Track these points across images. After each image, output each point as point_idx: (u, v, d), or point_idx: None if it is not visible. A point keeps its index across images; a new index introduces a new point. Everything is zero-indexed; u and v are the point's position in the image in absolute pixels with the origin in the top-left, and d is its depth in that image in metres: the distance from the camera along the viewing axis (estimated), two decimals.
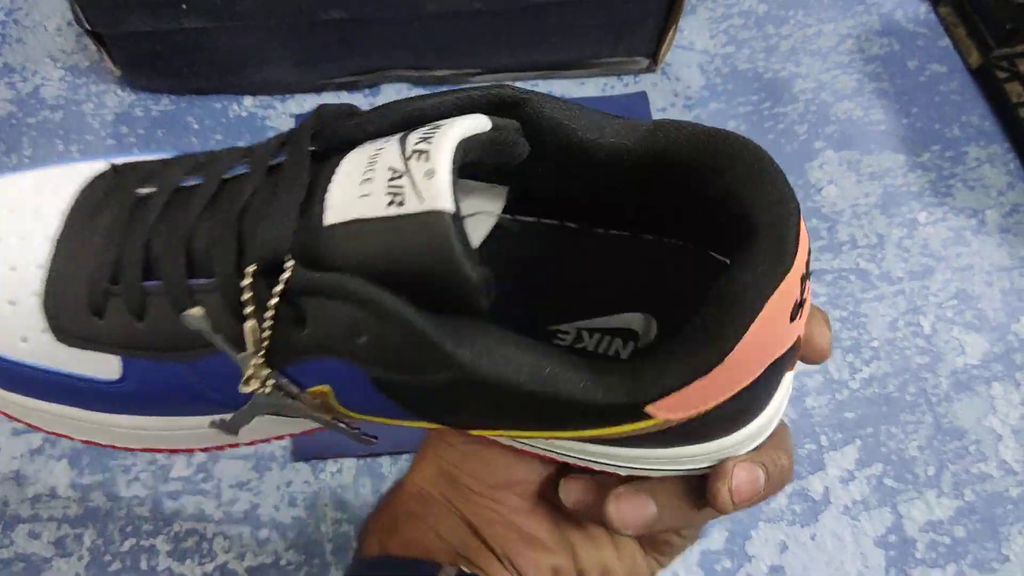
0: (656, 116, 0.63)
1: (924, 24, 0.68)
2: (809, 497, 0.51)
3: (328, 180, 0.23)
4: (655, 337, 0.30)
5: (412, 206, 0.21)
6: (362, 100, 0.63)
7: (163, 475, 0.50)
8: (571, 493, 0.31)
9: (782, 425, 0.30)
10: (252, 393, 0.25)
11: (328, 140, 0.25)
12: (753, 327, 0.22)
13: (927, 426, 0.53)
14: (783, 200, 0.23)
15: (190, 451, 0.33)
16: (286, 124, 0.62)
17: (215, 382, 0.26)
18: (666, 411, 0.23)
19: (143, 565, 0.48)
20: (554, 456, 0.30)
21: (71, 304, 0.26)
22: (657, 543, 0.35)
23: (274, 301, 0.22)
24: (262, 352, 0.23)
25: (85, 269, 0.26)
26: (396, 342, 0.22)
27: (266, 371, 0.24)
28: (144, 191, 0.27)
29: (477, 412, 0.26)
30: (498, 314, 0.23)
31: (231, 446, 0.31)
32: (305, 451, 0.51)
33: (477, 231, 0.27)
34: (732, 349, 0.22)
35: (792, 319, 0.23)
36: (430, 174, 0.21)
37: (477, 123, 0.23)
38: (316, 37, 0.59)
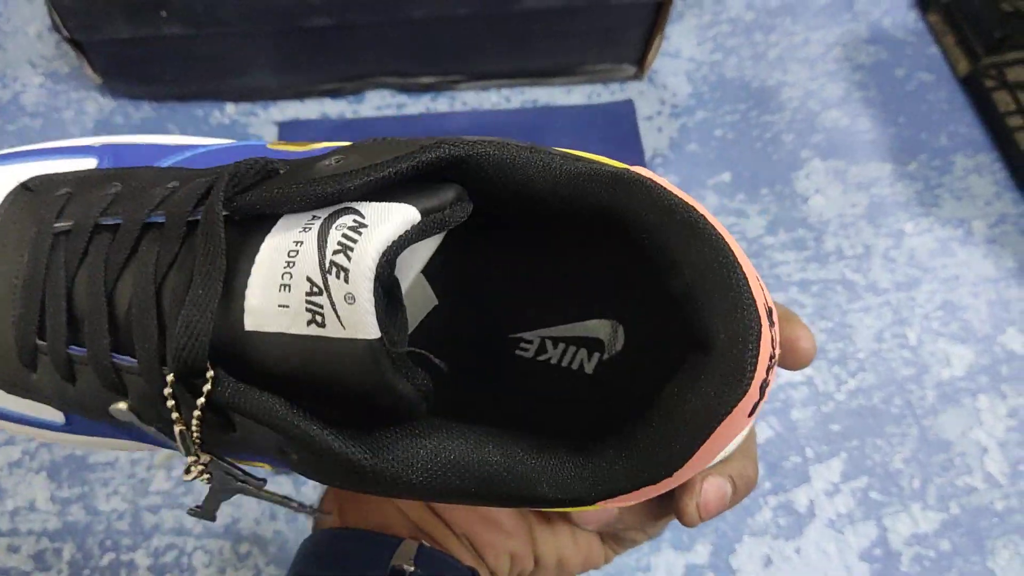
0: (643, 124, 0.63)
1: (913, 32, 0.68)
2: (794, 510, 0.50)
3: (248, 266, 0.21)
4: (622, 346, 0.29)
5: (333, 330, 0.20)
6: (346, 107, 0.63)
7: (143, 489, 0.49)
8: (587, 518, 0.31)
9: (749, 432, 0.30)
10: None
11: (243, 210, 0.22)
12: (706, 444, 0.21)
13: (912, 438, 0.53)
14: (743, 310, 0.20)
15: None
16: (268, 131, 0.61)
17: (165, 445, 0.25)
18: (613, 504, 0.23)
19: None
20: None
21: (4, 353, 0.25)
22: (617, 538, 0.35)
23: (199, 406, 0.21)
24: (194, 449, 0.22)
25: (11, 318, 0.24)
26: (325, 463, 0.21)
27: (205, 460, 0.23)
28: (61, 226, 0.25)
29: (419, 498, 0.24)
30: (457, 325, 0.22)
31: None
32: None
33: (420, 254, 0.25)
34: (682, 466, 0.21)
35: (750, 414, 0.21)
36: (350, 299, 0.20)
37: (404, 218, 0.21)
38: (299, 43, 0.58)
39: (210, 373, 0.20)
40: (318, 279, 0.20)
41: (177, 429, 0.22)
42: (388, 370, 0.20)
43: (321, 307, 0.20)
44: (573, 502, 0.22)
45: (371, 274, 0.20)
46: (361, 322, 0.19)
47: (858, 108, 0.64)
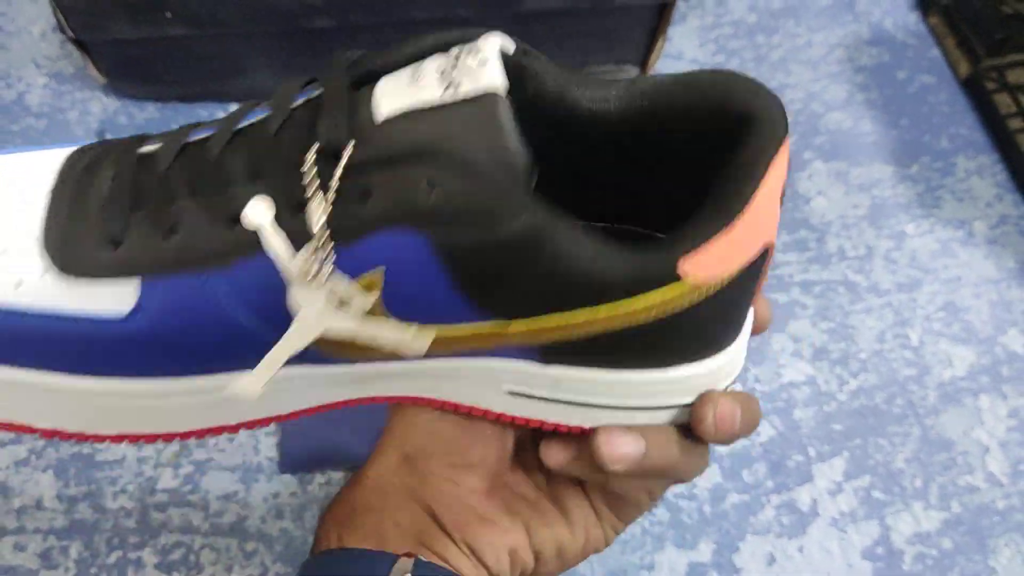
0: None
1: (914, 34, 0.69)
2: (797, 509, 0.51)
3: (369, 95, 0.24)
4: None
5: (467, 89, 0.23)
6: None
7: (150, 487, 0.50)
8: (553, 452, 0.33)
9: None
10: (297, 309, 0.25)
11: (360, 72, 0.26)
12: (762, 186, 0.26)
13: (914, 438, 0.53)
14: (774, 98, 0.27)
15: (169, 437, 0.30)
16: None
17: (251, 294, 0.25)
18: (695, 267, 0.26)
19: None
20: (539, 411, 0.32)
21: (80, 239, 0.25)
22: (621, 503, 0.36)
23: (338, 176, 0.23)
24: (324, 236, 0.24)
25: (94, 207, 0.26)
26: (473, 189, 0.24)
27: (327, 249, 0.24)
28: (147, 149, 0.27)
29: (527, 285, 0.26)
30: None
31: (220, 430, 0.30)
32: (293, 463, 0.50)
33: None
34: (749, 202, 0.25)
35: (780, 205, 0.27)
36: (483, 62, 0.24)
37: (506, 40, 0.26)
38: (301, 44, 0.58)
39: (351, 143, 0.24)
40: (448, 63, 0.25)
41: (315, 203, 0.24)
42: (511, 127, 0.24)
43: (454, 75, 0.24)
44: (665, 267, 0.26)
45: (497, 44, 0.25)
46: (493, 76, 0.24)
47: (860, 110, 0.65)
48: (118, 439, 0.29)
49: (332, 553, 0.33)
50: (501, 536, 0.35)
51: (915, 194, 0.62)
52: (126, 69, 0.59)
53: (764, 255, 0.28)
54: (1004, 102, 0.64)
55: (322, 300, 0.25)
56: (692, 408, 0.31)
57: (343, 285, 0.25)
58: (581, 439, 0.32)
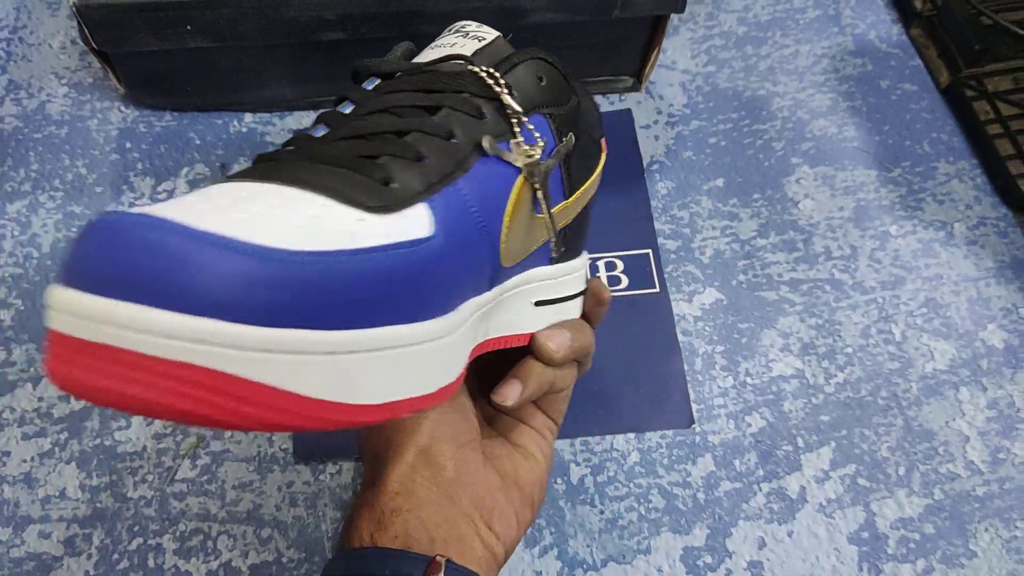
0: (640, 133, 0.66)
1: (896, 45, 0.72)
2: (786, 496, 0.53)
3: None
4: None
5: (487, 36, 0.39)
6: None
7: (168, 477, 0.52)
8: (508, 391, 0.39)
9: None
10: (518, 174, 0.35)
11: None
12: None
13: (898, 428, 0.56)
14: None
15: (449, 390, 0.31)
16: (285, 139, 0.64)
17: (484, 186, 0.33)
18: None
19: (150, 563, 0.50)
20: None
21: (361, 191, 0.28)
22: (556, 403, 0.45)
23: (502, 83, 0.35)
24: (516, 110, 0.35)
25: (343, 166, 0.30)
26: (556, 79, 0.38)
27: (524, 121, 0.35)
28: (320, 133, 0.33)
29: (578, 150, 0.40)
30: None
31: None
32: (306, 452, 0.53)
33: None
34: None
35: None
36: (479, 26, 0.40)
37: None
38: (314, 56, 0.61)
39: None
40: (453, 32, 0.40)
41: (504, 98, 0.35)
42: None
43: (473, 34, 0.39)
44: None
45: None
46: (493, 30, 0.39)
47: (845, 117, 0.68)
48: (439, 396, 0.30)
49: (366, 551, 0.35)
50: (505, 502, 0.38)
51: (898, 197, 0.64)
52: (146, 80, 0.62)
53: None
54: (983, 109, 0.67)
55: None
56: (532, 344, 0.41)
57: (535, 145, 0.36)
58: (517, 378, 0.40)
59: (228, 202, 0.25)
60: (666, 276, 0.60)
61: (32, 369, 0.55)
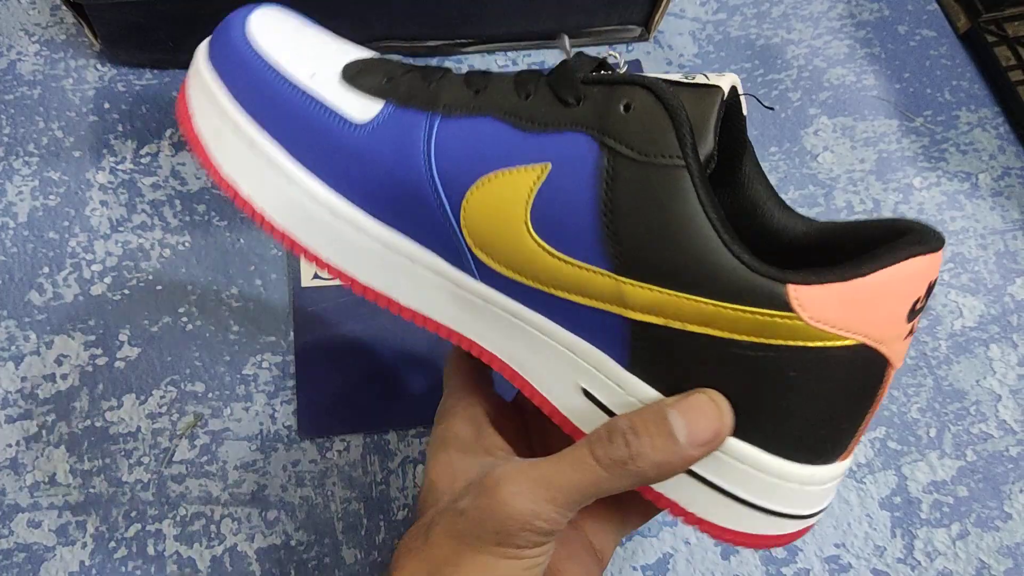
0: None
1: None
2: None
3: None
4: None
5: (700, 80, 0.35)
6: None
7: (166, 458, 0.49)
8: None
9: None
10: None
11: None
12: (890, 268, 0.27)
13: (928, 389, 0.54)
14: (936, 233, 0.30)
15: (345, 278, 0.36)
16: None
17: (449, 141, 0.32)
18: (801, 298, 0.27)
19: (150, 550, 0.47)
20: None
21: (368, 74, 0.34)
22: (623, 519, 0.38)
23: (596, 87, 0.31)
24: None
25: (382, 69, 0.35)
26: (654, 121, 0.29)
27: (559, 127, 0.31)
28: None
29: (652, 231, 0.29)
30: None
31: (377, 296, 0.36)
32: (311, 428, 0.50)
33: None
34: (870, 273, 0.27)
35: (908, 320, 0.29)
36: (721, 75, 0.39)
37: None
38: (304, 8, 0.57)
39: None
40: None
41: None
42: (717, 113, 0.30)
43: (695, 77, 0.39)
44: (773, 287, 0.28)
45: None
46: (725, 84, 0.31)
47: (863, 65, 0.65)
48: (279, 234, 0.35)
49: None
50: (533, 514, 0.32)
51: (920, 147, 0.62)
52: (123, 34, 0.57)
53: (880, 361, 0.29)
54: (1004, 55, 0.64)
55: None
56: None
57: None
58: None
59: (329, 40, 0.37)
60: None
61: (14, 347, 0.51)
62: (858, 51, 0.65)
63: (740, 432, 0.30)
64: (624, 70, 0.32)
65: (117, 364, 0.51)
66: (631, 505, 0.37)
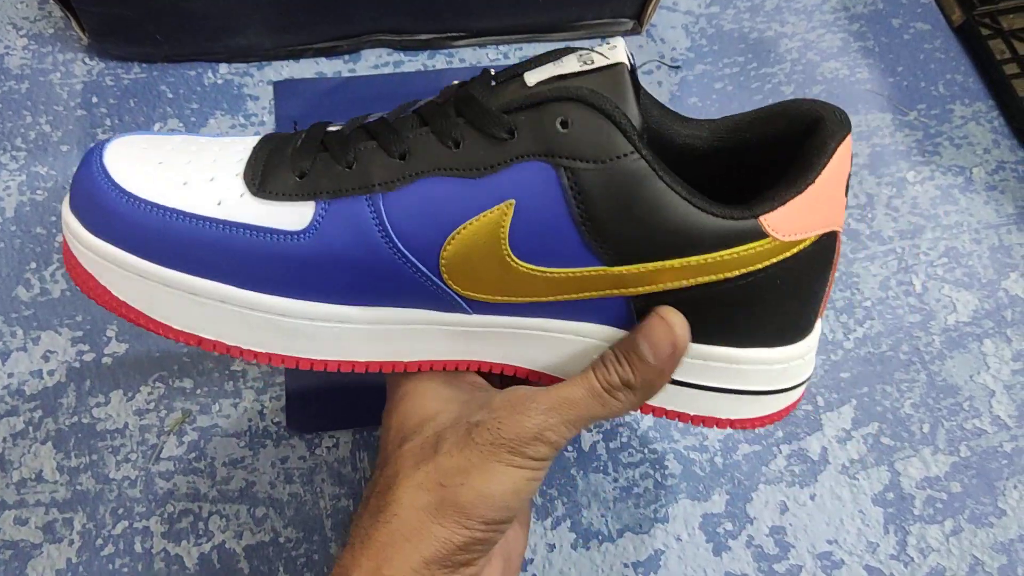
0: (642, 79, 0.62)
1: None
2: (808, 458, 0.51)
3: (519, 82, 0.32)
4: None
5: (600, 63, 0.31)
6: (342, 66, 0.62)
7: (154, 455, 0.49)
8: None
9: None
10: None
11: (506, 75, 0.33)
12: (830, 165, 0.31)
13: (921, 384, 0.53)
14: (838, 108, 0.33)
15: (311, 364, 0.35)
16: (264, 92, 0.60)
17: (407, 212, 0.32)
18: (776, 223, 0.31)
19: (137, 547, 0.47)
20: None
21: (273, 172, 0.33)
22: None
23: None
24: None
25: (288, 154, 0.33)
26: (596, 128, 0.30)
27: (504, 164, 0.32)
28: (332, 128, 0.35)
29: (633, 222, 0.31)
30: None
31: (351, 365, 0.36)
32: (299, 424, 0.49)
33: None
34: (817, 176, 0.31)
35: (845, 194, 0.33)
36: (613, 47, 0.32)
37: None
38: (294, 1, 0.57)
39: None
40: (586, 52, 0.32)
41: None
42: (631, 93, 0.31)
43: (591, 57, 0.32)
44: (749, 225, 0.31)
45: (623, 42, 0.33)
46: (621, 54, 0.31)
47: (857, 58, 0.64)
48: (266, 357, 0.35)
49: None
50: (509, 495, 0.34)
51: (914, 141, 0.61)
52: (111, 28, 0.57)
53: (833, 239, 0.33)
54: (998, 48, 0.64)
55: None
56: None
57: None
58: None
59: (193, 150, 0.35)
60: None
61: (1, 343, 0.51)
62: (852, 44, 0.65)
63: (732, 341, 0.35)
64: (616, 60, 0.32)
65: (104, 360, 0.51)
66: None
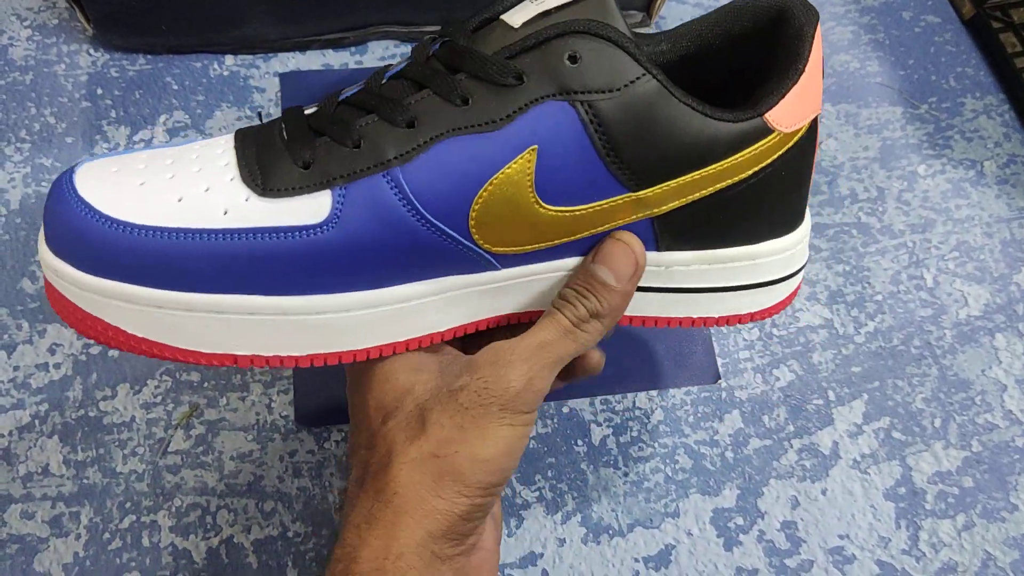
0: None
1: None
2: (819, 452, 0.50)
3: (499, 24, 0.32)
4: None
5: None
6: (348, 58, 0.61)
7: (161, 449, 0.48)
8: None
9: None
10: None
11: (478, 20, 0.33)
12: (812, 53, 0.33)
13: (932, 378, 0.53)
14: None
15: (351, 356, 0.34)
16: (270, 84, 0.60)
17: (429, 182, 0.31)
18: (779, 117, 0.32)
19: (145, 542, 0.46)
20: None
21: (274, 168, 0.31)
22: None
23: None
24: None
25: (278, 147, 0.31)
26: (606, 56, 0.30)
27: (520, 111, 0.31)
28: (309, 111, 0.33)
29: (651, 145, 0.32)
30: None
31: (391, 348, 0.35)
32: (308, 419, 0.49)
33: None
34: (805, 65, 0.33)
35: (823, 75, 0.36)
36: None
37: None
38: None
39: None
40: None
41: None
42: (619, 11, 0.31)
43: None
44: (755, 123, 0.32)
45: None
46: None
47: (867, 51, 0.64)
48: (307, 360, 0.33)
49: None
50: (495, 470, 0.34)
51: (925, 135, 0.61)
52: (116, 19, 0.56)
53: (816, 122, 0.35)
54: (1009, 41, 0.64)
55: None
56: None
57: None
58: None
59: (167, 163, 0.32)
60: None
61: (6, 336, 0.50)
62: (862, 37, 0.64)
63: (750, 238, 0.36)
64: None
65: (111, 353, 0.50)
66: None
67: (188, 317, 0.31)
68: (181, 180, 0.31)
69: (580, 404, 0.51)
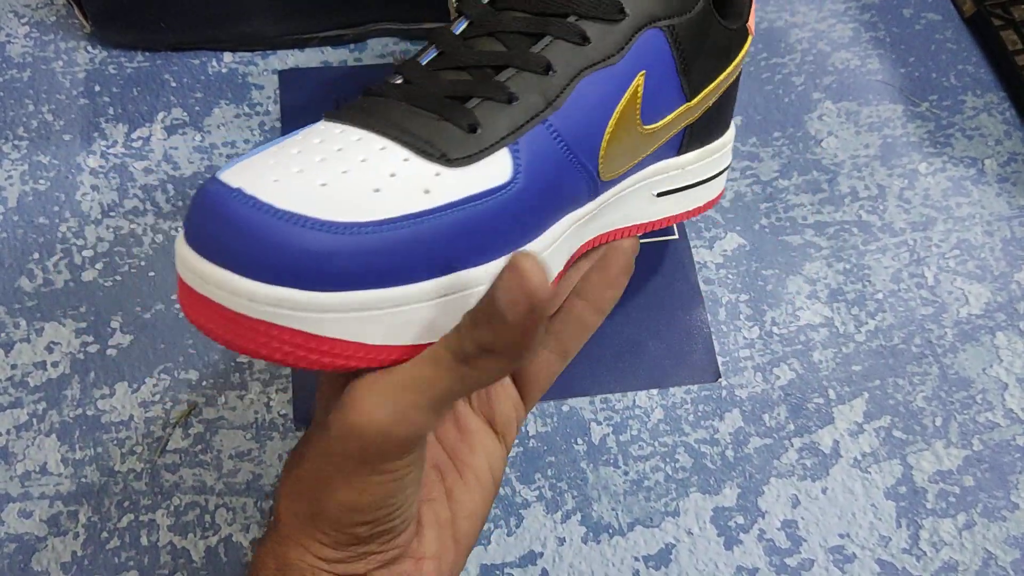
0: None
1: None
2: (819, 451, 0.50)
3: None
4: None
5: None
6: (347, 55, 0.61)
7: (159, 448, 0.48)
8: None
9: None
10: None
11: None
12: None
13: (933, 377, 0.53)
14: None
15: None
16: (268, 81, 0.59)
17: (578, 115, 0.33)
18: (750, 25, 0.41)
19: (143, 541, 0.46)
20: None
21: (444, 140, 0.30)
22: (538, 375, 0.41)
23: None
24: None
25: (422, 116, 0.31)
26: None
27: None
28: (397, 81, 0.34)
29: (705, 54, 0.38)
30: None
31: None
32: (307, 417, 0.49)
33: None
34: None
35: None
36: None
37: None
38: None
39: None
40: None
41: None
42: None
43: None
44: (738, 28, 0.41)
45: None
46: None
47: (868, 49, 0.64)
48: None
49: None
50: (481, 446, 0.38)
51: (926, 132, 0.61)
52: (114, 16, 0.56)
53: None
54: (1010, 39, 0.63)
55: None
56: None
57: None
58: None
59: (318, 161, 0.29)
60: (685, 222, 0.56)
61: (3, 334, 0.50)
62: (863, 34, 0.64)
63: (722, 131, 0.45)
64: None
65: (109, 352, 0.50)
66: (527, 381, 0.40)
67: (419, 309, 0.29)
68: (358, 172, 0.29)
69: (580, 403, 0.51)
